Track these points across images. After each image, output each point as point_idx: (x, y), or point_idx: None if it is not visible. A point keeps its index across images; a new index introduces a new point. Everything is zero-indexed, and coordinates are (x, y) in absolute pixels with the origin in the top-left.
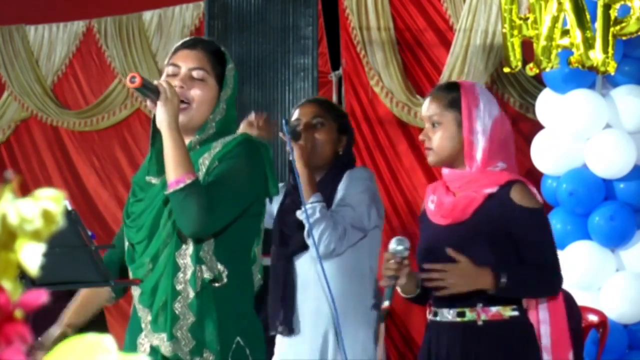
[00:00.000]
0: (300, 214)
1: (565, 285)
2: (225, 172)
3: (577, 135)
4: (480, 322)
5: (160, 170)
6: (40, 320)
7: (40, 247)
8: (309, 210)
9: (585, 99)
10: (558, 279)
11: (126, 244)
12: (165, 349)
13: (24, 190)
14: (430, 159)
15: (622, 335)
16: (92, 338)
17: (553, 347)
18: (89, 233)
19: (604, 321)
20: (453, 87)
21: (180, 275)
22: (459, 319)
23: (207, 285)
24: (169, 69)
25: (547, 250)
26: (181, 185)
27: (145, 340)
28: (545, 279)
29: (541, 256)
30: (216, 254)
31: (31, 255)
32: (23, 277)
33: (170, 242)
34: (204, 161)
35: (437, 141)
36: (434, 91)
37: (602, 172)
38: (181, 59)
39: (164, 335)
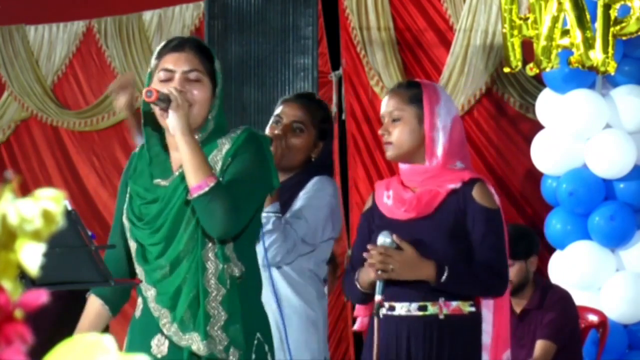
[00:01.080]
0: None
1: (565, 285)
2: (242, 170)
3: (577, 135)
4: (441, 316)
5: (166, 172)
6: (40, 320)
7: (40, 247)
8: (263, 219)
9: (585, 99)
10: (502, 281)
11: (133, 244)
12: (200, 348)
13: (24, 190)
14: (389, 153)
15: (622, 335)
16: (92, 338)
17: (492, 345)
18: (89, 233)
19: (604, 321)
20: (414, 85)
21: (210, 274)
22: (420, 313)
23: (234, 282)
24: (161, 75)
25: (497, 251)
26: (205, 189)
27: (163, 341)
28: (488, 280)
29: (489, 256)
30: (236, 250)
31: (31, 255)
32: (23, 277)
33: (196, 243)
34: (215, 159)
35: (397, 135)
36: (393, 88)
37: (602, 172)
38: (172, 63)
39: (195, 335)
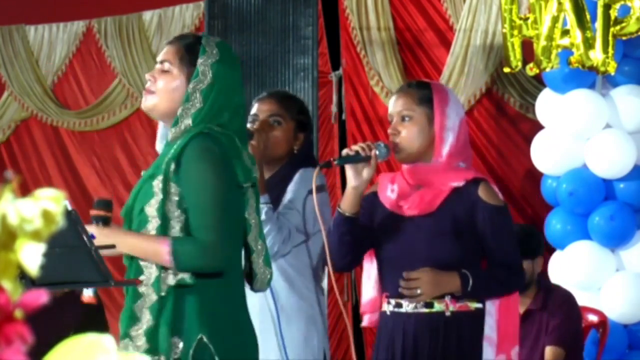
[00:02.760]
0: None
1: (566, 285)
2: (201, 200)
3: (577, 135)
4: (448, 313)
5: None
6: (40, 320)
7: (40, 247)
8: None
9: (585, 99)
10: (520, 277)
11: None
12: (120, 347)
13: (24, 190)
14: (400, 155)
15: (622, 335)
16: (92, 338)
17: (499, 339)
18: (89, 233)
19: (604, 321)
20: (424, 85)
21: (144, 277)
22: (426, 310)
23: (171, 290)
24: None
25: (510, 248)
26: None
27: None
28: (508, 279)
29: (507, 256)
30: None
31: (31, 255)
32: (23, 277)
33: None
34: (166, 160)
35: (406, 135)
36: (403, 87)
37: (602, 172)
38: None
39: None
